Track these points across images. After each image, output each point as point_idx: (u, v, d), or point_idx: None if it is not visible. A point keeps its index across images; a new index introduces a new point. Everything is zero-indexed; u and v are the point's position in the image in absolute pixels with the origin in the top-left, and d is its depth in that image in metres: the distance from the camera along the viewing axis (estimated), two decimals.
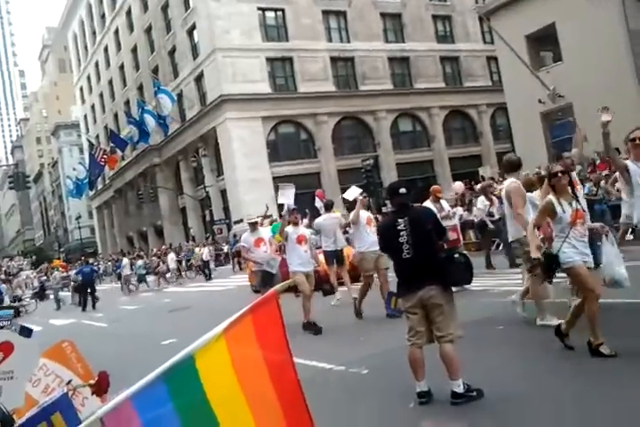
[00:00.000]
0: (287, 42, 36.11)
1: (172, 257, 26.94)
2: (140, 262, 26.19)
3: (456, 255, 4.55)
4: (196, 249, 28.86)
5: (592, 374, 4.50)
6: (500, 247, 16.18)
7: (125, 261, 26.73)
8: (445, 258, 4.45)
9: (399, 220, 4.41)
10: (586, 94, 19.91)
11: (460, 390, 4.17)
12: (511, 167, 6.65)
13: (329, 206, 11.00)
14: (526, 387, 4.39)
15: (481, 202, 12.26)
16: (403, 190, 4.52)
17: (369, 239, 8.13)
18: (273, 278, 8.55)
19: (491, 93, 37.79)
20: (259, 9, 35.61)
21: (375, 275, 8.31)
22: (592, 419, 3.71)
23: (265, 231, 9.36)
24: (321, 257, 10.06)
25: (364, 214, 8.66)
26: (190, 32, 37.87)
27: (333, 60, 37.31)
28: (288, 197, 8.62)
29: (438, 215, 8.26)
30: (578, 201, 4.90)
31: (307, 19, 36.48)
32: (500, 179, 21.00)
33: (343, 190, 32.15)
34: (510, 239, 6.49)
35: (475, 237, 17.39)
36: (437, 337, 4.27)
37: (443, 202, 9.99)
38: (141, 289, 24.54)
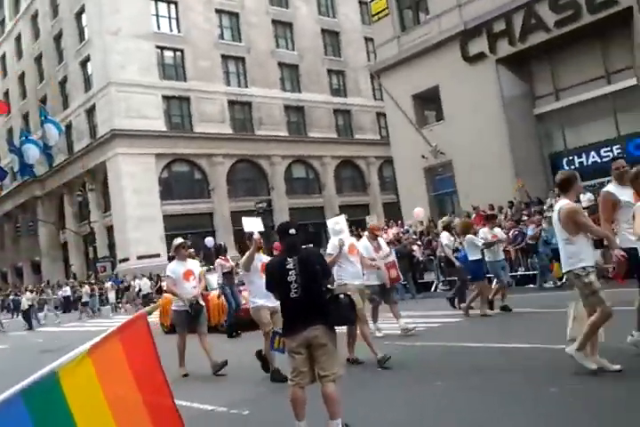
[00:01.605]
0: (185, 82, 36.24)
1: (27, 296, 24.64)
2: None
3: (341, 296, 4.60)
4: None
5: (471, 409, 4.74)
6: (439, 287, 16.98)
7: None
8: (330, 298, 4.53)
9: (288, 259, 4.47)
10: (464, 152, 21.56)
11: None
12: (568, 182, 5.53)
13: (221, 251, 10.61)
14: (403, 421, 4.59)
15: (446, 238, 12.28)
16: (292, 231, 4.60)
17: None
18: (197, 320, 7.85)
19: (379, 146, 39.73)
20: (157, 47, 35.63)
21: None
22: None
23: (193, 264, 8.34)
24: None
25: (262, 259, 7.08)
26: (84, 64, 37.08)
27: (231, 103, 37.83)
28: (255, 225, 7.77)
29: (376, 254, 8.58)
30: None
31: (205, 61, 36.93)
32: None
33: (236, 232, 32.23)
34: (565, 269, 5.39)
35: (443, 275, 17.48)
36: (320, 376, 4.32)
37: (380, 240, 9.47)
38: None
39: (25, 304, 22.97)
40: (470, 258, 10.40)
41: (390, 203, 35.59)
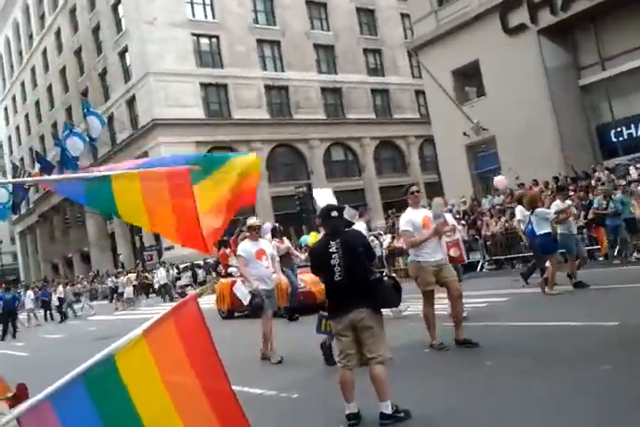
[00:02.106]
0: (222, 68, 36.35)
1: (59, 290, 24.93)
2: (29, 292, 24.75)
3: (385, 278, 4.61)
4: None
5: (518, 391, 4.61)
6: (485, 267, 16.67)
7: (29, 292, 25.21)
8: (375, 281, 4.49)
9: (331, 242, 4.45)
10: (507, 128, 21.02)
11: (389, 411, 4.24)
12: None
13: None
14: (453, 406, 4.49)
15: (520, 212, 11.40)
16: (334, 213, 4.57)
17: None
18: (269, 300, 7.53)
19: (419, 125, 39.17)
20: (193, 35, 35.78)
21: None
22: None
23: (265, 243, 8.14)
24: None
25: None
26: (122, 55, 37.55)
27: (267, 88, 37.80)
28: (326, 196, 7.94)
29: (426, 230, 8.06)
30: None
31: (241, 46, 36.92)
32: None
33: (277, 217, 32.52)
34: None
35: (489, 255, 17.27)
36: (368, 359, 4.33)
37: (446, 215, 8.66)
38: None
39: (55, 300, 23.65)
40: (539, 232, 9.77)
41: (432, 183, 35.10)
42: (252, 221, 7.90)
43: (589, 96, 20.88)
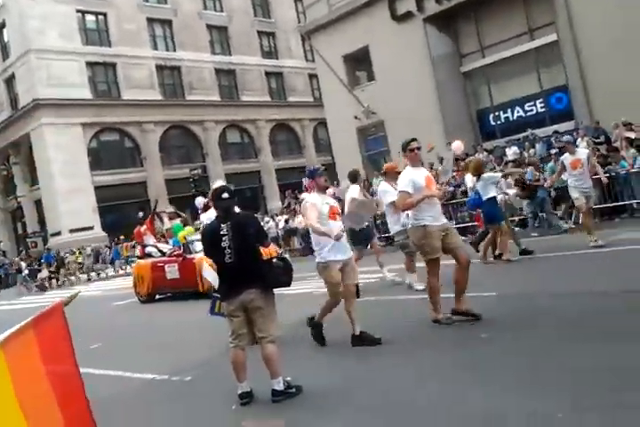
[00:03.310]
0: (110, 47, 34.90)
1: None
2: None
3: (274, 260, 4.68)
4: None
5: (407, 366, 4.73)
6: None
7: None
8: (264, 262, 4.59)
9: (222, 225, 4.47)
10: (395, 112, 21.89)
11: (280, 387, 4.38)
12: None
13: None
14: (342, 381, 4.61)
15: (470, 180, 10.80)
16: (225, 195, 4.56)
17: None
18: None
19: (313, 108, 39.67)
20: (78, 11, 34.02)
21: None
22: (407, 408, 3.84)
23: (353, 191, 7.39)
24: None
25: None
26: None
27: (159, 68, 36.77)
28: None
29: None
30: None
31: (130, 24, 35.58)
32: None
33: (171, 200, 31.91)
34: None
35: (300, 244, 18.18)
36: (259, 338, 4.45)
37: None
38: None
39: None
40: (486, 196, 9.54)
41: (326, 164, 35.69)
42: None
43: (471, 82, 22.15)
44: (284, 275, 4.61)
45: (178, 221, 13.53)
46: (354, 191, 8.44)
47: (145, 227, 14.18)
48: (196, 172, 28.25)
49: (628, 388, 3.43)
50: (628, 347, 4.15)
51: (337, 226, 5.56)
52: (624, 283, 6.08)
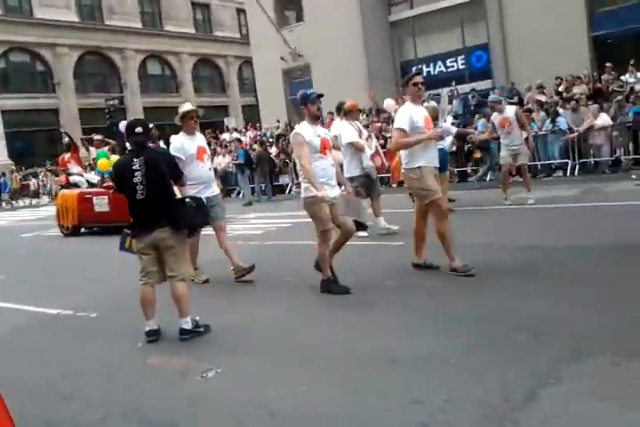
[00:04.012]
0: None
1: None
2: None
3: (187, 200, 4.58)
4: None
5: (307, 303, 5.06)
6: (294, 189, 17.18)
7: None
8: (177, 201, 4.51)
9: (134, 160, 4.35)
10: (322, 56, 21.76)
11: (189, 326, 4.39)
12: None
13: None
14: (250, 318, 4.77)
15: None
16: (139, 129, 4.42)
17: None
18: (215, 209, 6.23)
19: (239, 46, 38.54)
20: None
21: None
22: (311, 341, 4.08)
23: (202, 138, 6.56)
24: None
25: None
26: None
27: None
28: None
29: (360, 139, 7.53)
30: None
31: None
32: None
33: (85, 131, 30.66)
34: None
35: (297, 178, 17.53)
36: (169, 277, 4.43)
37: (357, 123, 8.18)
38: None
39: None
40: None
41: (250, 105, 35.25)
42: (187, 107, 6.23)
43: (397, 32, 22.25)
44: (196, 215, 4.53)
45: (105, 148, 13.02)
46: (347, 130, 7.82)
47: (69, 155, 13.32)
48: (112, 102, 27.13)
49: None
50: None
51: (327, 162, 5.24)
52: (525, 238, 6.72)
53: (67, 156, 13.41)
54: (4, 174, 26.74)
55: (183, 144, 5.99)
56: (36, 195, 26.28)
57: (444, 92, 7.53)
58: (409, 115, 5.33)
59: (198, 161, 6.03)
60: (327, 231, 5.23)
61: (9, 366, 4.24)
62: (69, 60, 33.86)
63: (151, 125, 9.90)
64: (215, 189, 6.28)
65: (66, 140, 14.48)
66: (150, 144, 9.27)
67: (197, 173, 5.97)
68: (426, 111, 5.60)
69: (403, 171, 5.66)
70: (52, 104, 33.50)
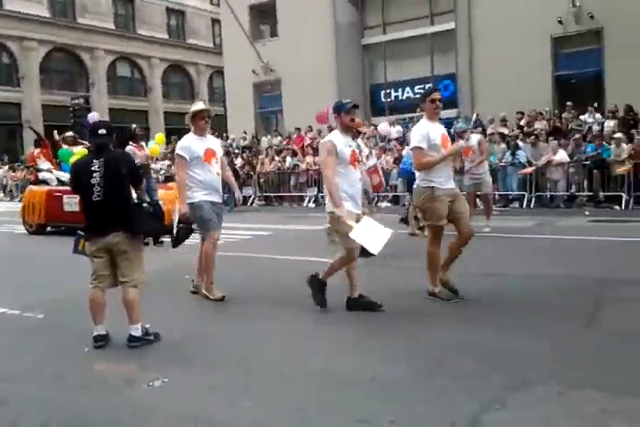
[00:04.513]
0: None
1: None
2: None
3: (144, 204, 4.53)
4: None
5: (258, 316, 5.06)
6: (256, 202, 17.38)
7: None
8: (134, 205, 4.45)
9: (94, 160, 4.31)
10: (293, 72, 21.91)
11: (138, 333, 4.34)
12: None
13: None
14: (199, 329, 4.80)
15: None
16: (102, 131, 4.38)
17: None
18: (218, 217, 5.94)
19: (211, 55, 38.49)
20: None
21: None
22: (261, 356, 4.06)
23: (214, 140, 6.12)
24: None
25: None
26: None
27: None
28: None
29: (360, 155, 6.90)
30: None
31: None
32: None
33: (47, 128, 30.06)
34: None
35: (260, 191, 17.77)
36: (121, 282, 4.37)
37: (359, 140, 7.20)
38: None
39: None
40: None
41: (218, 115, 35.09)
42: (199, 106, 5.84)
43: (369, 56, 22.60)
44: (152, 221, 4.49)
45: (80, 147, 12.63)
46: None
47: (38, 150, 12.83)
48: (77, 102, 26.65)
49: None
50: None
51: (356, 176, 5.02)
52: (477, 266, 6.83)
53: (36, 151, 12.94)
54: None
55: (191, 144, 5.62)
56: None
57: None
58: (426, 132, 5.12)
59: (206, 163, 5.61)
60: (353, 250, 4.95)
61: None
62: (37, 54, 33.21)
63: (134, 126, 9.83)
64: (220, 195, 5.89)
65: (69, 133, 14.02)
66: (134, 145, 9.21)
67: (204, 177, 5.59)
68: (443, 129, 5.36)
69: (415, 186, 5.42)
70: (16, 98, 32.72)
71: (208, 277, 5.73)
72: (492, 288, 5.84)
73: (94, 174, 4.27)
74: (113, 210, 4.30)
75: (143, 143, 10.61)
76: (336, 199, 4.77)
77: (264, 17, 24.24)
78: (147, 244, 8.40)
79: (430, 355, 3.98)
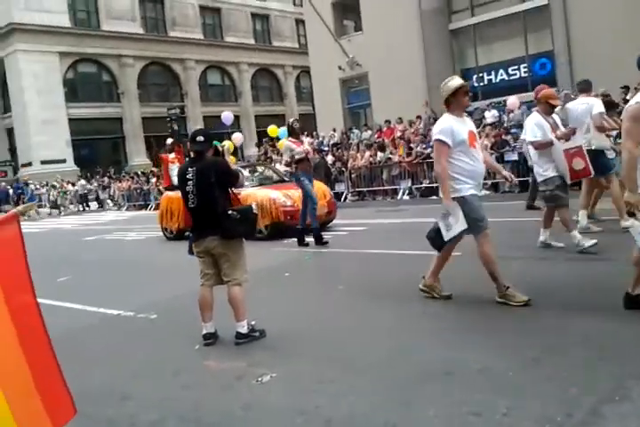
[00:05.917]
0: None
1: None
2: None
3: (230, 212, 4.42)
4: None
5: (365, 311, 5.01)
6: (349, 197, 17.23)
7: None
8: (222, 212, 4.43)
9: (189, 169, 4.45)
10: (380, 65, 21.72)
11: (245, 330, 4.45)
12: None
13: None
14: (305, 325, 4.77)
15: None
16: (200, 138, 4.48)
17: None
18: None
19: (297, 55, 39.02)
20: None
21: None
22: (367, 350, 4.04)
23: (470, 122, 5.11)
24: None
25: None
26: None
27: (141, 0, 35.57)
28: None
29: (554, 134, 6.26)
30: None
31: None
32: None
33: (147, 139, 31.56)
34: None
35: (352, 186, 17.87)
36: (225, 281, 4.52)
37: (555, 116, 6.67)
38: None
39: None
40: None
41: (306, 114, 35.58)
42: (458, 80, 4.79)
43: (457, 40, 21.98)
44: (240, 225, 4.44)
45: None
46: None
47: (173, 155, 12.60)
48: (173, 111, 27.85)
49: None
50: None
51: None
52: None
53: (171, 156, 12.72)
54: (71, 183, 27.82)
55: (452, 127, 4.65)
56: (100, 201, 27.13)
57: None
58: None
59: (471, 149, 4.70)
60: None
61: (68, 365, 4.30)
62: (133, 70, 35.04)
63: (292, 120, 9.40)
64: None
65: (169, 140, 14.43)
66: (292, 140, 8.82)
67: (470, 166, 4.69)
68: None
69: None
70: (117, 113, 34.69)
71: (498, 278, 4.74)
72: (592, 273, 5.40)
73: (189, 182, 4.43)
74: (206, 216, 4.44)
75: (303, 138, 10.53)
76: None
77: (347, 12, 24.20)
78: (306, 244, 8.79)
79: (532, 344, 3.80)
